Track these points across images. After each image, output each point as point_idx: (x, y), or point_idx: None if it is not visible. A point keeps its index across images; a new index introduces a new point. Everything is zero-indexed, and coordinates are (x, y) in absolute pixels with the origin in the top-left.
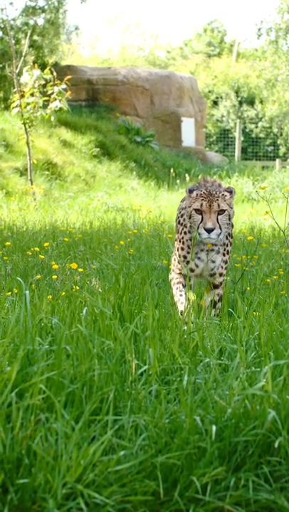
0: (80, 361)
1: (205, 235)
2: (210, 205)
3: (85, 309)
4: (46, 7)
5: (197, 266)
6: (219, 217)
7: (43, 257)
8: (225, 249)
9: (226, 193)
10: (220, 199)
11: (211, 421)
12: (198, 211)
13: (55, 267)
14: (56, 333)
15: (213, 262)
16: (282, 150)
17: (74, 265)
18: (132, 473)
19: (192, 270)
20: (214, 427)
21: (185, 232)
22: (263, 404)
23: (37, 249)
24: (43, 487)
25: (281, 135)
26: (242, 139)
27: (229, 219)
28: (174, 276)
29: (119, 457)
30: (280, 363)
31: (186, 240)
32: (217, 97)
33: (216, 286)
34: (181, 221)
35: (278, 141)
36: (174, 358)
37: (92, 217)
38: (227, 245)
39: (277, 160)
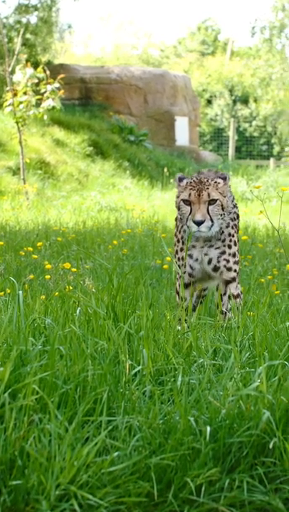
0: (74, 362)
1: (194, 228)
2: (199, 195)
3: (78, 309)
4: (39, 5)
5: (192, 268)
6: (210, 207)
7: (36, 256)
8: (231, 240)
9: (218, 180)
10: (211, 187)
11: (205, 422)
12: (187, 202)
13: (48, 266)
14: (49, 333)
15: (210, 256)
16: (276, 149)
17: (67, 265)
18: (126, 475)
19: (191, 275)
20: (208, 428)
21: (184, 231)
22: (257, 404)
23: (30, 248)
24: (37, 488)
25: (275, 134)
26: (236, 138)
27: (222, 209)
28: (178, 287)
29: (112, 458)
30: (274, 364)
31: (182, 238)
32: (211, 96)
33: (228, 282)
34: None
35: (272, 140)
36: (168, 359)
37: (86, 216)
38: (232, 235)
39: (271, 159)
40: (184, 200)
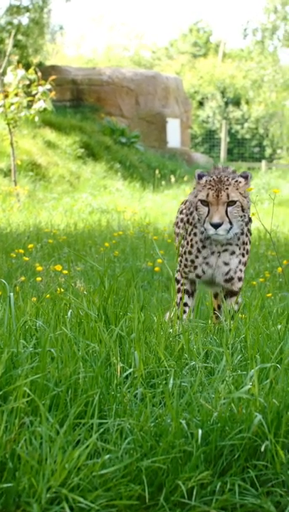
0: (65, 364)
1: (211, 231)
2: (217, 196)
3: (69, 312)
4: (30, 6)
5: (204, 272)
6: (229, 209)
7: (27, 258)
8: (244, 249)
9: (239, 179)
10: (230, 187)
11: (196, 424)
12: (205, 202)
13: (40, 268)
14: (41, 335)
15: (227, 264)
16: (268, 151)
17: (58, 267)
18: (117, 477)
19: (198, 276)
20: (200, 431)
21: (195, 234)
22: (249, 407)
23: (21, 250)
24: (27, 491)
25: (267, 136)
26: (228, 140)
27: (242, 210)
28: (179, 280)
29: (104, 461)
30: (266, 366)
31: (196, 242)
32: (203, 98)
33: (233, 294)
34: (191, 220)
35: (264, 142)
36: (159, 361)
37: (77, 218)
38: (246, 243)
39: (263, 161)
40: (202, 201)
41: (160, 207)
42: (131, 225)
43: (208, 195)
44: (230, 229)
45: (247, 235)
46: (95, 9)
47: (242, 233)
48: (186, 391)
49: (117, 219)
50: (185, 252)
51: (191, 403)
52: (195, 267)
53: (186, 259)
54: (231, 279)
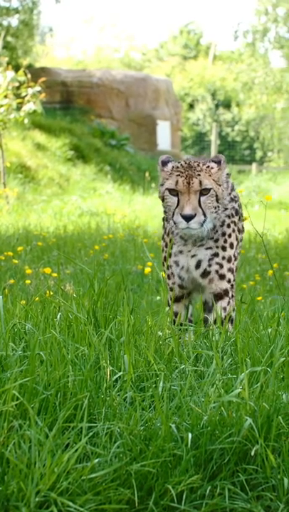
0: (54, 367)
1: (183, 224)
2: (188, 183)
3: (59, 315)
4: (20, 8)
5: (181, 278)
6: (202, 198)
7: (16, 261)
8: (226, 241)
9: (212, 165)
10: (203, 173)
11: (186, 428)
12: (173, 192)
13: (29, 271)
14: (30, 338)
15: (198, 257)
16: (258, 154)
17: (48, 270)
18: (107, 481)
19: (181, 287)
20: (190, 435)
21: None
22: (239, 411)
23: (10, 253)
24: (16, 495)
25: (258, 139)
26: (218, 142)
27: (217, 200)
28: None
29: (93, 465)
30: (256, 370)
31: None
32: (193, 100)
33: (218, 297)
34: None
35: (255, 145)
36: (149, 365)
37: (66, 221)
38: (228, 235)
39: (254, 164)
40: (170, 190)
41: (150, 209)
42: (121, 227)
43: (177, 182)
44: (204, 222)
45: (229, 226)
46: (86, 11)
47: (221, 224)
48: (176, 395)
49: (107, 222)
50: (166, 256)
51: (181, 407)
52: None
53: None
54: (207, 273)
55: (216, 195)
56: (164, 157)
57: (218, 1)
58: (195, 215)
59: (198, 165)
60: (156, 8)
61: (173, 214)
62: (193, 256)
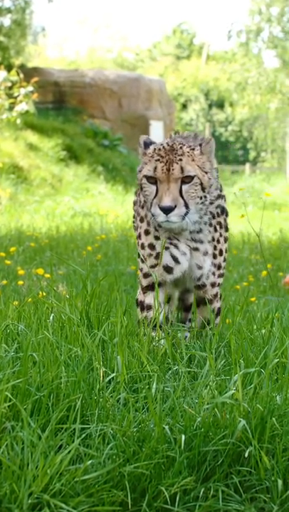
0: (47, 368)
1: (161, 217)
2: (168, 170)
3: (51, 316)
4: (12, 7)
5: (177, 261)
6: (184, 187)
7: (8, 262)
8: (216, 248)
9: (195, 148)
10: (185, 158)
11: (180, 430)
12: (152, 179)
13: (21, 272)
14: (22, 339)
15: (200, 267)
16: (252, 154)
17: (40, 271)
18: (100, 483)
19: (167, 270)
20: (183, 436)
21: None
22: (233, 413)
23: (3, 254)
24: (9, 497)
25: (251, 139)
26: None
27: (203, 190)
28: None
29: (86, 466)
30: (250, 371)
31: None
32: (186, 100)
33: (208, 301)
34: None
35: (248, 145)
36: (142, 366)
37: (59, 221)
38: (216, 240)
39: (247, 164)
40: (148, 177)
41: None
42: (114, 228)
43: (155, 169)
44: (185, 214)
45: (216, 229)
46: (79, 11)
47: (206, 223)
48: (170, 396)
49: (100, 222)
50: (141, 233)
51: (175, 408)
52: (156, 256)
53: (142, 241)
54: (203, 285)
55: (201, 184)
56: (146, 137)
57: (211, 1)
58: (175, 206)
59: (181, 147)
60: (150, 8)
61: (151, 205)
62: (196, 265)
